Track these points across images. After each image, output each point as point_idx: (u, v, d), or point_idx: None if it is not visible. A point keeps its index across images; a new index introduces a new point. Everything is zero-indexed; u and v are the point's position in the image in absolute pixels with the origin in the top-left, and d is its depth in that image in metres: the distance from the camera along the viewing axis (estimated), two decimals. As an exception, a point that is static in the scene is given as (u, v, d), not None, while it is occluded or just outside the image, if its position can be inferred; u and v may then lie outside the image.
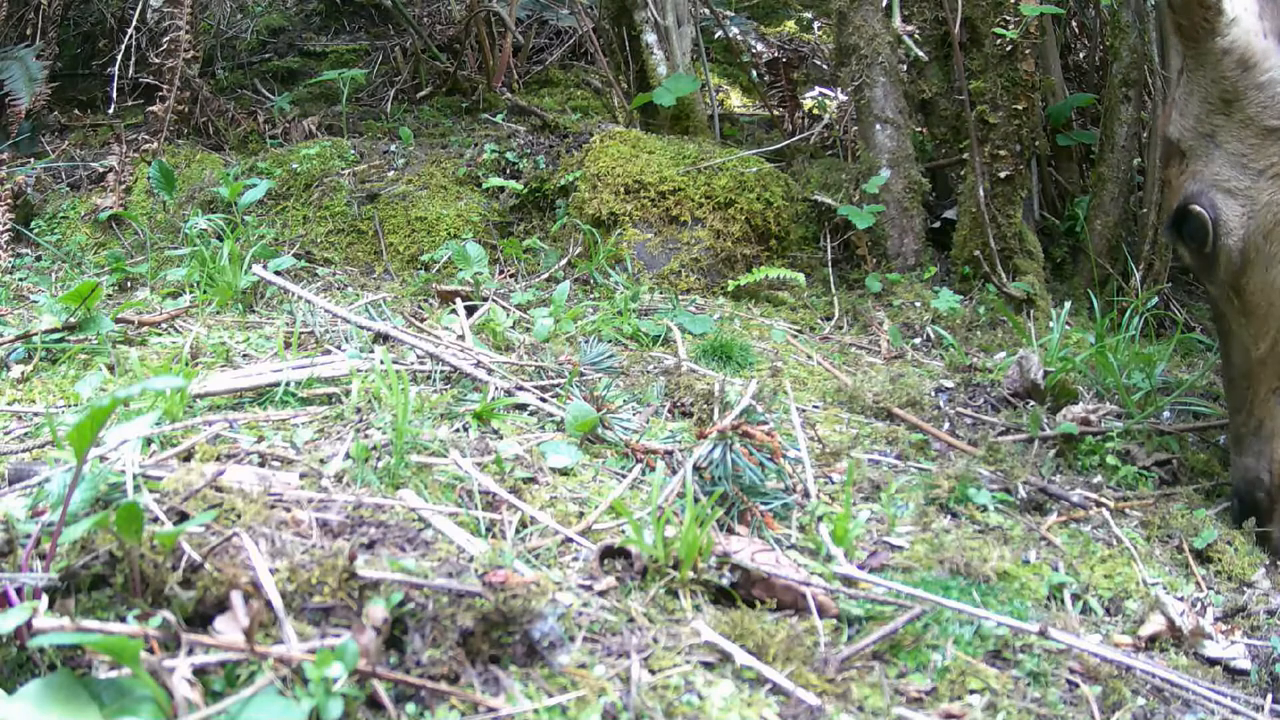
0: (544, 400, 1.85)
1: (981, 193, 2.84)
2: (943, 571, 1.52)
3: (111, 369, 1.97)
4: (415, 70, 4.11)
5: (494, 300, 2.44)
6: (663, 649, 1.19)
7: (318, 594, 1.12)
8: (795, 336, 2.57)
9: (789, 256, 2.96)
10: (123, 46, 3.62)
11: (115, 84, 3.57)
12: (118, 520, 1.07)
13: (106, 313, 2.16)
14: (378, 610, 1.09)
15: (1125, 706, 1.30)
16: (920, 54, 3.13)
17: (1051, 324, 2.50)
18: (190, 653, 1.03)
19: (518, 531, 1.42)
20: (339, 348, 2.05)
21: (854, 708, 1.18)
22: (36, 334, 2.06)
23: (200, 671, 1.02)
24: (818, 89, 4.18)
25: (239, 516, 1.24)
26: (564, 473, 1.62)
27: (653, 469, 1.65)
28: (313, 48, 4.67)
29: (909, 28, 3.13)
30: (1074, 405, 2.10)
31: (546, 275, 2.78)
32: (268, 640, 1.07)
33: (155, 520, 1.22)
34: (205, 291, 2.45)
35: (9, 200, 3.07)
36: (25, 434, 1.68)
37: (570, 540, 1.42)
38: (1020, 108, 2.81)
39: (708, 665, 1.19)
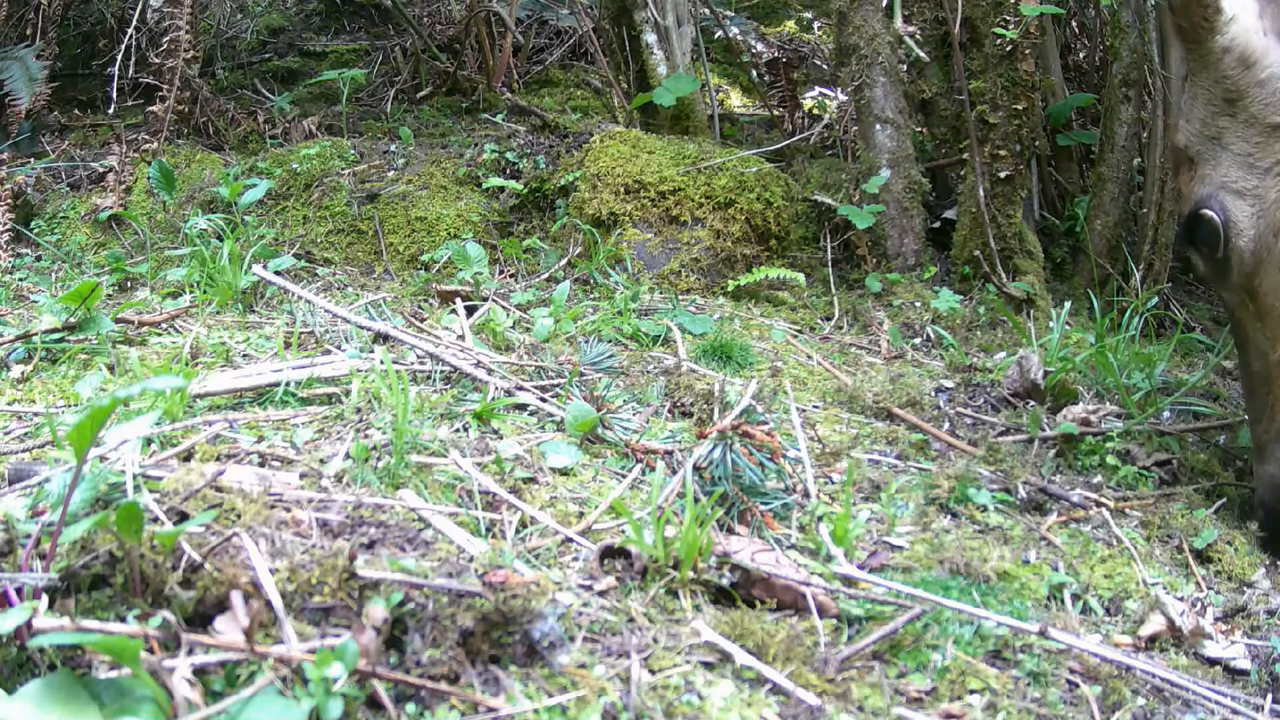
0: (544, 400, 1.85)
1: (981, 193, 2.84)
2: (943, 571, 1.52)
3: (111, 369, 1.97)
4: (415, 70, 4.11)
5: (494, 300, 2.44)
6: (663, 649, 1.19)
7: (318, 594, 1.12)
8: (795, 336, 2.57)
9: (789, 256, 2.96)
10: (123, 46, 3.62)
11: (115, 84, 3.57)
12: (118, 520, 1.07)
13: (106, 313, 2.16)
14: (378, 610, 1.09)
15: (1125, 706, 1.30)
16: (922, 55, 3.13)
17: (1051, 324, 2.50)
18: (190, 653, 1.03)
19: (518, 531, 1.42)
20: (339, 348, 2.05)
21: (854, 708, 1.18)
22: (36, 334, 2.06)
23: (200, 671, 1.02)
24: (818, 89, 4.18)
25: (239, 516, 1.24)
26: (564, 473, 1.62)
27: (653, 469, 1.65)
28: (313, 48, 4.67)
29: (910, 28, 3.13)
30: (1074, 405, 2.10)
31: (546, 275, 2.78)
32: (268, 640, 1.07)
33: (155, 520, 1.22)
34: (205, 291, 2.45)
35: (9, 200, 3.07)
36: (25, 434, 1.68)
37: (570, 540, 1.42)
38: (1020, 108, 2.81)
39: (708, 665, 1.19)
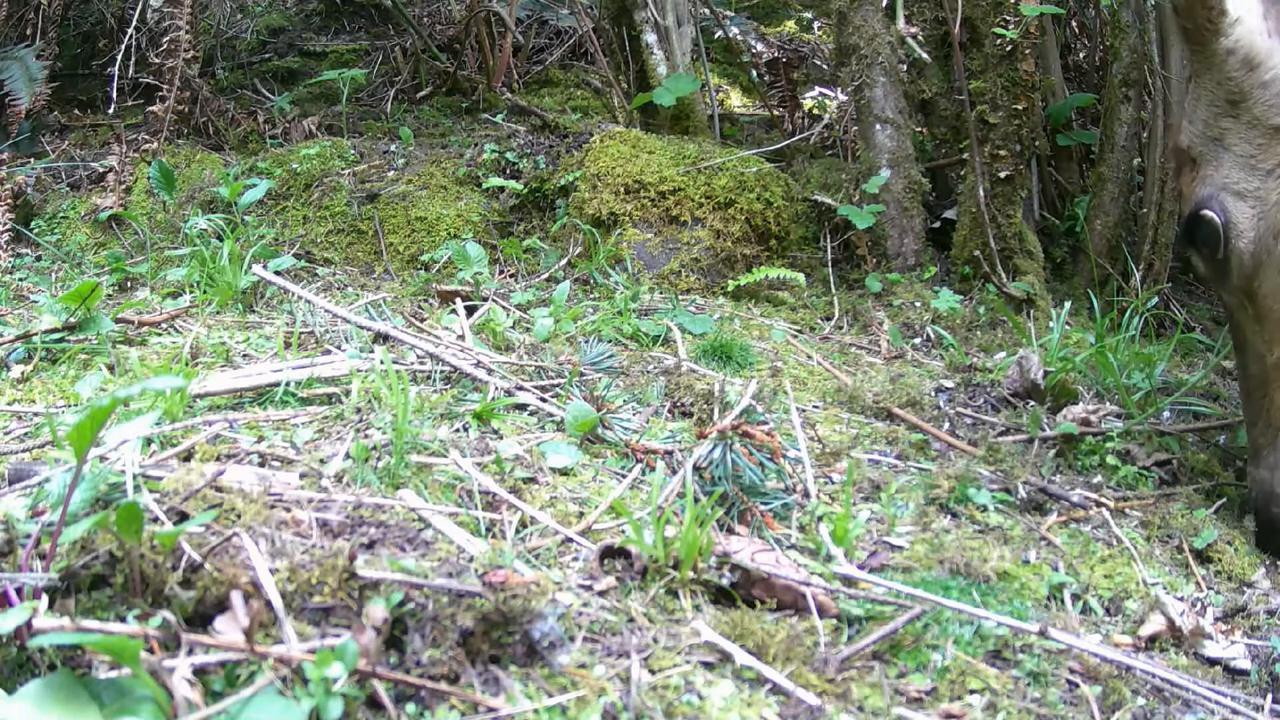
0: (544, 400, 1.85)
1: (981, 193, 2.84)
2: (943, 571, 1.52)
3: (111, 369, 1.97)
4: (415, 70, 4.11)
5: (494, 300, 2.44)
6: (663, 649, 1.19)
7: (318, 594, 1.12)
8: (795, 336, 2.57)
9: (789, 256, 2.96)
10: (123, 46, 3.62)
11: (115, 84, 3.57)
12: (118, 520, 1.07)
13: (106, 313, 2.16)
14: (378, 610, 1.09)
15: (1125, 706, 1.30)
16: (924, 56, 3.13)
17: (1051, 324, 2.50)
18: (190, 653, 1.03)
19: (518, 531, 1.42)
20: (339, 348, 2.05)
21: (854, 708, 1.18)
22: (36, 334, 2.06)
23: (200, 671, 1.02)
24: (818, 89, 4.18)
25: (239, 516, 1.24)
26: (564, 473, 1.62)
27: (653, 469, 1.65)
28: (313, 48, 4.67)
29: (912, 29, 3.13)
30: (1074, 405, 2.10)
31: (546, 275, 2.78)
32: (268, 640, 1.07)
33: (155, 520, 1.22)
34: (205, 291, 2.45)
35: (9, 200, 3.07)
36: (25, 434, 1.68)
37: (570, 540, 1.42)
38: (1020, 108, 2.81)
39: (708, 665, 1.19)
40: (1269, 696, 1.41)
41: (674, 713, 1.10)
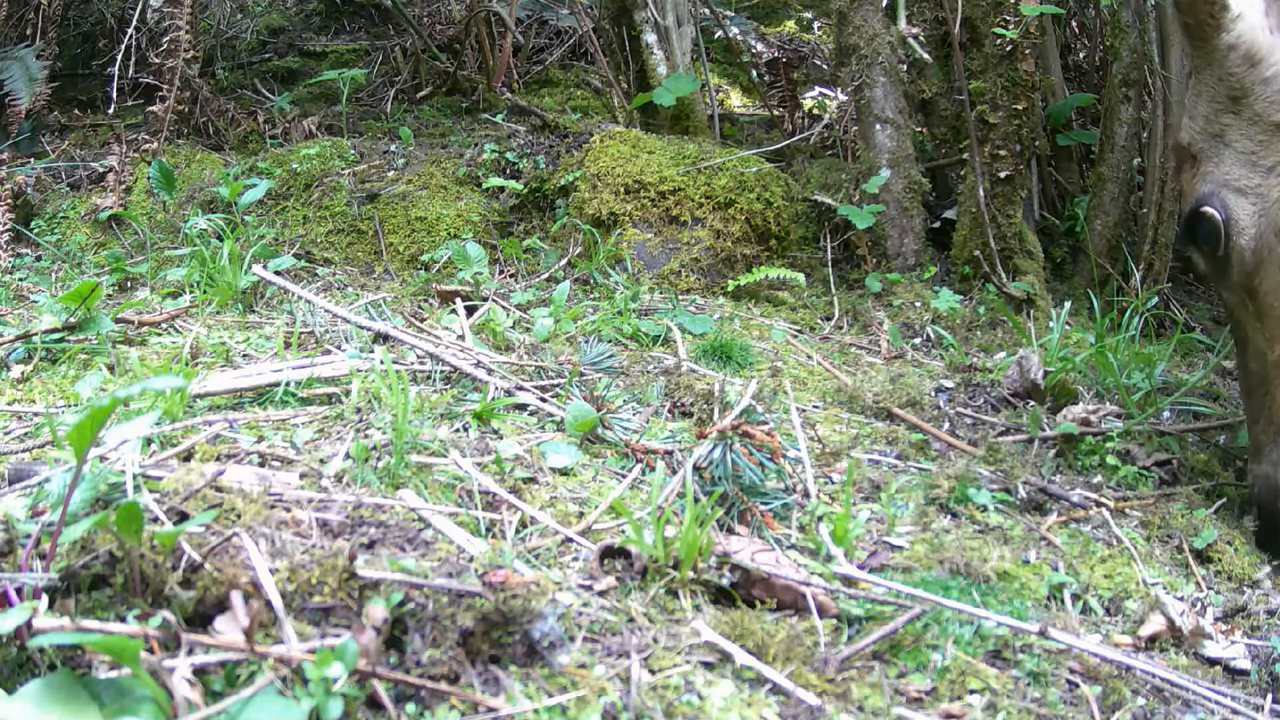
0: (544, 400, 1.85)
1: (981, 193, 2.84)
2: (943, 571, 1.52)
3: (111, 369, 1.97)
4: (415, 70, 4.11)
5: (494, 300, 2.44)
6: (663, 649, 1.19)
7: (318, 594, 1.12)
8: (795, 336, 2.57)
9: (789, 256, 2.96)
10: (123, 46, 3.62)
11: (115, 84, 3.57)
12: (118, 520, 1.07)
13: (106, 313, 2.16)
14: (378, 610, 1.09)
15: (1125, 706, 1.30)
16: (925, 56, 3.13)
17: (1051, 324, 2.50)
18: (190, 653, 1.03)
19: (518, 531, 1.42)
20: (339, 348, 2.05)
21: (854, 708, 1.18)
22: (36, 334, 2.06)
23: (200, 671, 1.02)
24: (818, 89, 4.17)
25: (239, 516, 1.24)
26: (564, 473, 1.62)
27: (653, 469, 1.65)
28: (313, 48, 4.67)
29: (913, 29, 3.13)
30: (1074, 405, 2.10)
31: (546, 275, 2.78)
32: (268, 640, 1.07)
33: (155, 520, 1.22)
34: (205, 291, 2.45)
35: (9, 200, 3.07)
36: (25, 434, 1.68)
37: (570, 540, 1.42)
38: (1020, 108, 2.81)
39: (708, 665, 1.19)
40: (1269, 696, 1.41)
41: (674, 713, 1.10)
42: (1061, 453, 1.98)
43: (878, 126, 3.00)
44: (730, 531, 1.53)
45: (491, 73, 3.92)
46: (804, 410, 2.04)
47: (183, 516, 1.23)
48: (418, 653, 1.08)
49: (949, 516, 1.71)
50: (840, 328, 2.72)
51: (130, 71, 3.86)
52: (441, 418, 1.73)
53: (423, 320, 2.33)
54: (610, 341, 2.27)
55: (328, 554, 1.16)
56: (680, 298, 2.66)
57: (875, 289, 2.84)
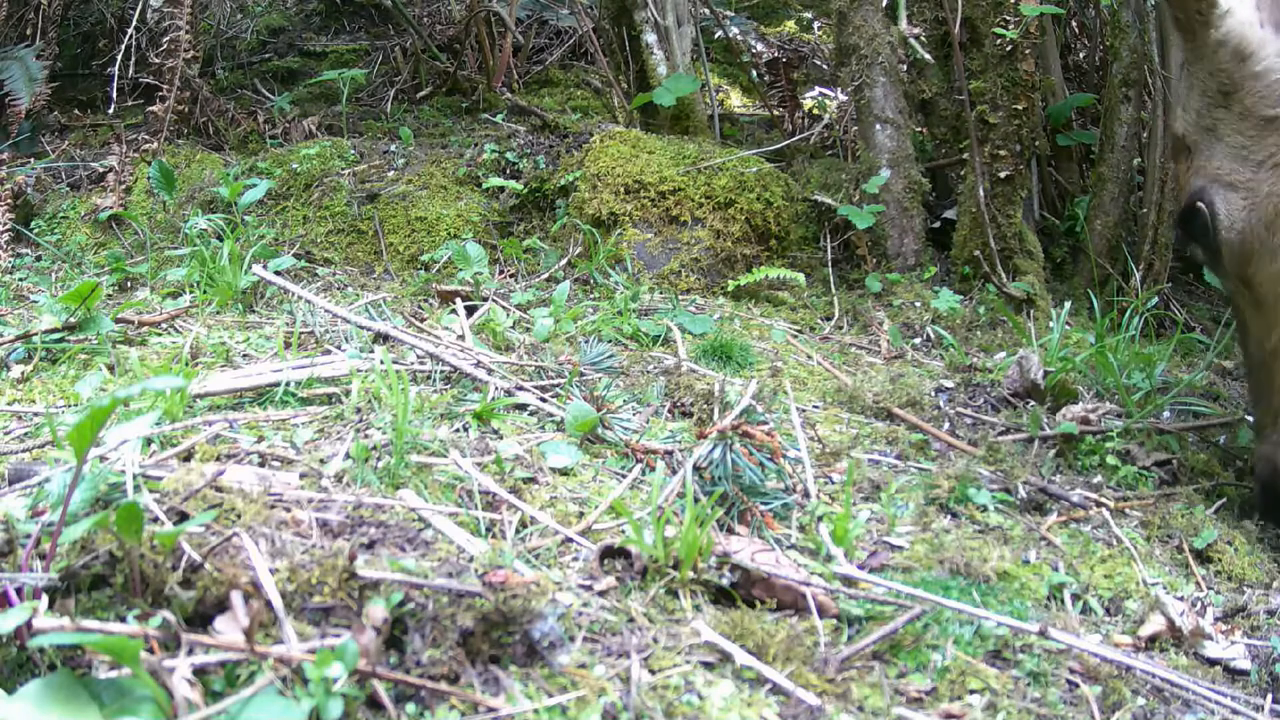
0: (544, 400, 1.85)
1: (981, 193, 2.84)
2: (943, 571, 1.52)
3: (111, 369, 1.97)
4: (415, 70, 4.11)
5: (494, 300, 2.44)
6: (663, 649, 1.19)
7: (318, 594, 1.12)
8: (795, 336, 2.57)
9: (789, 256, 2.96)
10: (123, 46, 3.62)
11: (115, 84, 3.57)
12: (118, 520, 1.07)
13: (106, 313, 2.16)
14: (378, 610, 1.09)
15: (1125, 706, 1.30)
16: (926, 56, 3.13)
17: (1051, 324, 2.50)
18: (190, 653, 1.03)
19: (518, 531, 1.42)
20: (339, 348, 2.05)
21: (854, 708, 1.18)
22: (36, 334, 2.06)
23: (200, 671, 1.02)
24: (818, 89, 4.18)
25: (239, 516, 1.24)
26: (564, 473, 1.62)
27: (653, 469, 1.65)
28: (313, 48, 4.67)
29: (914, 29, 3.13)
30: (1074, 405, 2.10)
31: (546, 275, 2.78)
32: (268, 640, 1.07)
33: (155, 520, 1.22)
34: (205, 291, 2.45)
35: (9, 200, 3.07)
36: (25, 434, 1.68)
37: (570, 540, 1.42)
38: (1020, 108, 2.81)
39: (708, 665, 1.19)
40: (1269, 696, 1.41)
41: (674, 713, 1.10)
42: (1061, 453, 1.98)
43: (878, 126, 3.00)
44: (730, 531, 1.53)
45: (491, 73, 3.92)
46: (804, 410, 2.04)
47: (183, 516, 1.23)
48: (418, 653, 1.08)
49: (949, 516, 1.71)
50: (840, 328, 2.72)
51: (130, 71, 3.86)
52: (441, 418, 1.73)
53: (423, 320, 2.33)
54: (610, 341, 2.27)
55: (328, 554, 1.16)
56: (680, 298, 2.66)
57: (875, 289, 2.84)
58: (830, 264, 2.95)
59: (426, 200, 3.02)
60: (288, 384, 1.79)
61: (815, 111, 3.95)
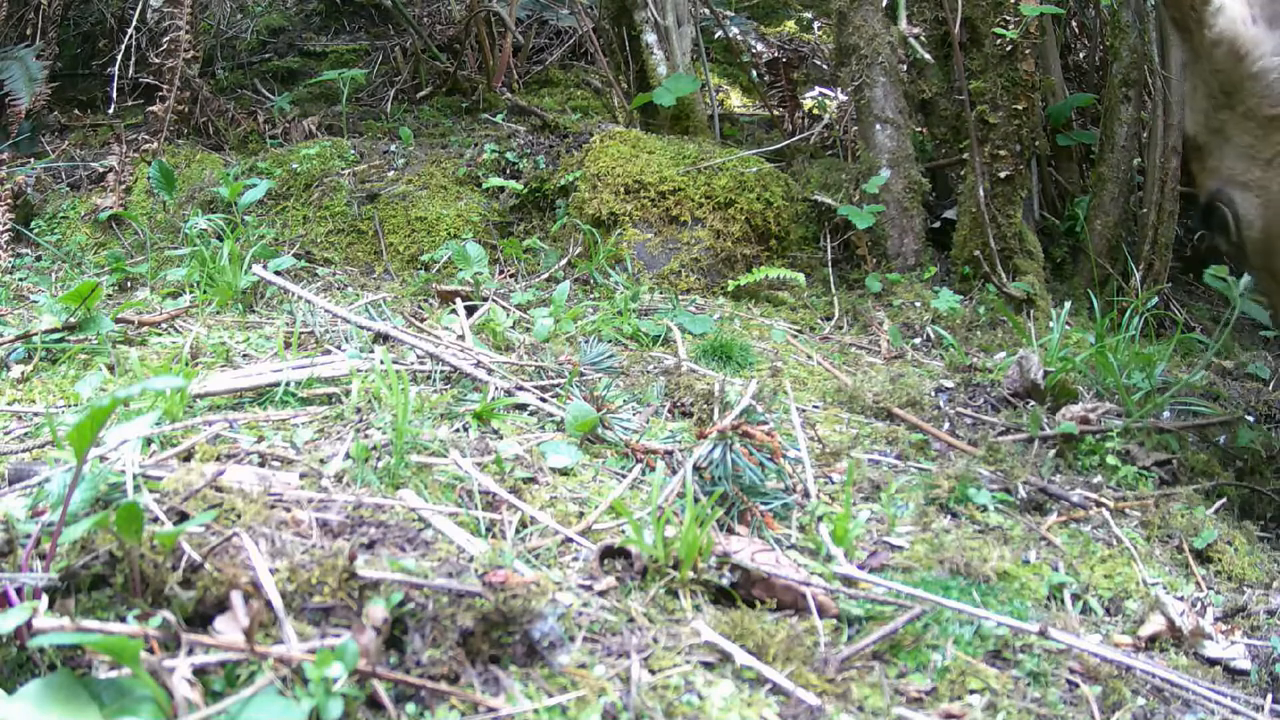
0: (544, 400, 1.85)
1: (981, 193, 2.84)
2: (943, 571, 1.52)
3: (111, 369, 1.97)
4: (415, 70, 4.11)
5: (494, 300, 2.44)
6: (663, 649, 1.19)
7: (318, 594, 1.12)
8: (795, 336, 2.57)
9: (789, 256, 2.96)
10: (123, 46, 3.62)
11: (115, 84, 3.57)
12: (118, 520, 1.07)
13: (106, 313, 2.16)
14: (378, 610, 1.09)
15: (1125, 706, 1.30)
16: (927, 57, 3.13)
17: (1051, 324, 2.50)
18: (190, 653, 1.03)
19: (518, 531, 1.42)
20: (339, 348, 2.05)
21: (854, 708, 1.18)
22: (36, 334, 2.06)
23: (200, 671, 1.02)
24: (818, 89, 4.18)
25: (239, 516, 1.24)
26: (564, 473, 1.62)
27: (653, 469, 1.65)
28: (313, 48, 4.67)
29: (914, 29, 3.13)
30: (1074, 405, 2.10)
31: (546, 275, 2.78)
32: (268, 640, 1.07)
33: (155, 520, 1.22)
34: (205, 291, 2.45)
35: (9, 200, 3.07)
36: (25, 434, 1.68)
37: (570, 540, 1.42)
38: (1020, 108, 2.81)
39: (708, 665, 1.19)
40: (1269, 696, 1.41)
41: (674, 713, 1.10)
42: (1061, 453, 1.98)
43: (878, 126, 3.00)
44: (730, 531, 1.53)
45: (491, 73, 3.92)
46: (804, 410, 2.04)
47: (183, 516, 1.23)
48: (418, 653, 1.08)
49: (949, 516, 1.71)
50: (840, 328, 2.72)
51: (130, 71, 3.86)
52: (441, 418, 1.73)
53: (423, 320, 2.33)
54: (610, 341, 2.27)
55: (328, 554, 1.16)
56: (680, 298, 2.66)
57: (875, 289, 2.84)
58: (830, 264, 2.95)
59: (426, 200, 3.02)
60: (288, 384, 1.79)
61: (815, 111, 3.95)
